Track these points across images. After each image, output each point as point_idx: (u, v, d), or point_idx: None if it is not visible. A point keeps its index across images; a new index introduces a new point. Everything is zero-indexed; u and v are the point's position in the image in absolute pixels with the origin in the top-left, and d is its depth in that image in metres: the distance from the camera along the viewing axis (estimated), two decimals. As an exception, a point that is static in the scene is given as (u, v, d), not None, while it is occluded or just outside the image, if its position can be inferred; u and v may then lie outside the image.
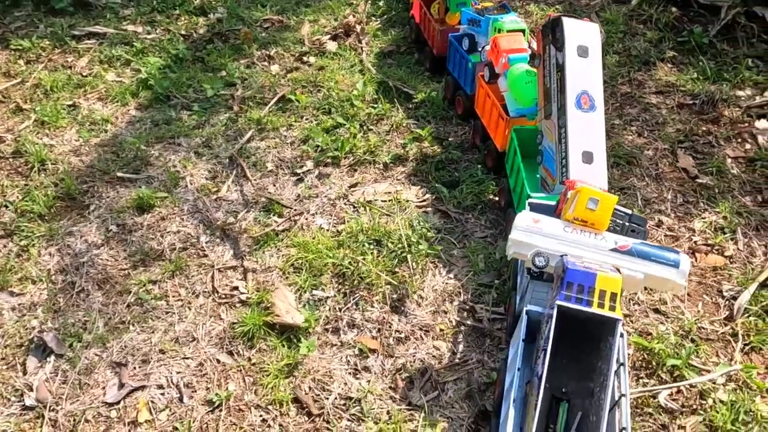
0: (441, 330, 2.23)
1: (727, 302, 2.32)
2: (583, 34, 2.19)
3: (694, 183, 2.82)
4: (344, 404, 2.01)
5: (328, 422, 1.96)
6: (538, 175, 2.36)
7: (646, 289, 2.13)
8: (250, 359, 2.14)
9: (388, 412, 1.99)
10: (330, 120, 3.16)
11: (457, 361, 2.14)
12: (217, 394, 2.02)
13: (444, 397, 2.03)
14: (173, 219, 2.65)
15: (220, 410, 2.00)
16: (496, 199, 2.73)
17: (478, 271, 2.42)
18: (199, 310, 2.30)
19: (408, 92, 3.35)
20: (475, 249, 2.50)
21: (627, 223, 1.89)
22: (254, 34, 3.84)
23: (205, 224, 2.65)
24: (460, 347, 2.18)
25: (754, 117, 3.17)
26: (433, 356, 2.15)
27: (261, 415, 1.99)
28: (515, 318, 1.99)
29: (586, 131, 2.12)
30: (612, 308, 1.60)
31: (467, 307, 2.30)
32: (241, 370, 2.11)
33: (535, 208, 1.96)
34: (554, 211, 1.97)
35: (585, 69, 2.16)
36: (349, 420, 1.97)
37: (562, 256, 1.72)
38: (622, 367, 1.69)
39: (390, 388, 2.06)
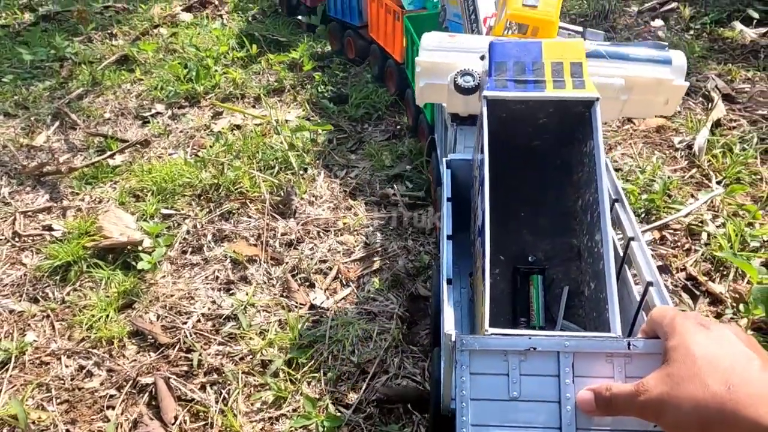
0: (345, 224, 1.62)
1: (683, 152, 1.92)
2: None
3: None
4: (212, 326, 1.32)
5: (186, 351, 1.26)
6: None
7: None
8: (63, 301, 1.41)
9: (280, 321, 1.32)
10: (186, 72, 2.59)
11: (374, 251, 1.53)
12: (2, 350, 1.27)
13: (360, 293, 1.40)
14: (-37, 176, 1.91)
15: (6, 369, 1.24)
16: (395, 119, 2.24)
17: (385, 166, 1.87)
18: (-13, 259, 1.55)
19: (280, 40, 2.88)
20: (379, 149, 1.96)
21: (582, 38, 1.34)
22: (91, 17, 3.26)
23: (10, 176, 1.93)
24: (375, 238, 1.57)
25: (649, 19, 3.00)
26: (339, 252, 1.53)
27: (78, 363, 1.25)
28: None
29: None
30: (579, 85, 0.93)
31: (376, 199, 1.72)
32: (48, 316, 1.37)
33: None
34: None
35: None
36: (221, 343, 1.28)
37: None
38: (616, 203, 1.00)
39: (282, 295, 1.40)
